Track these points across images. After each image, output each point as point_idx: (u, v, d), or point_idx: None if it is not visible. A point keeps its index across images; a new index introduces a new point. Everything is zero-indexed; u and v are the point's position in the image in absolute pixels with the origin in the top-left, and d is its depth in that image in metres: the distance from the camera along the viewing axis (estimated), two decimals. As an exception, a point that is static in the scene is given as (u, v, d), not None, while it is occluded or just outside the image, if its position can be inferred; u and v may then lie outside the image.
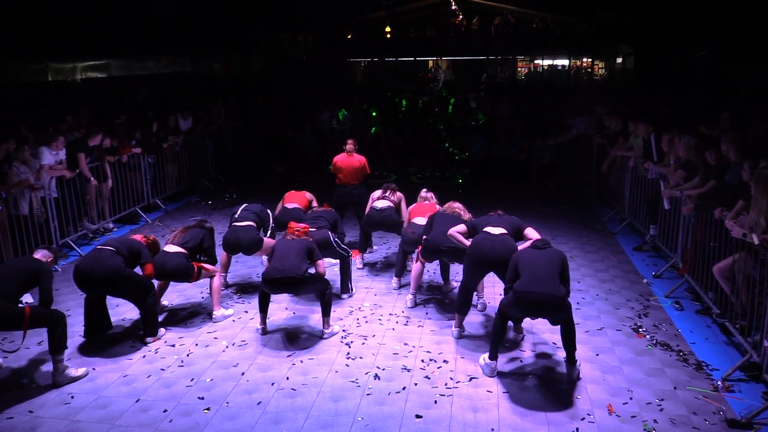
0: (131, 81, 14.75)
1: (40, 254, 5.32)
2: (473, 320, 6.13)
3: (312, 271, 5.78)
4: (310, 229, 6.24)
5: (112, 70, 13.35)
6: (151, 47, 15.07)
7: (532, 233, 5.55)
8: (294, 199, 7.45)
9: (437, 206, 6.82)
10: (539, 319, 5.34)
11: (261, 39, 21.07)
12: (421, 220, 6.56)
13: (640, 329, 5.91)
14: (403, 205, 7.50)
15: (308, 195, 7.65)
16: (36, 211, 7.67)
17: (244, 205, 6.95)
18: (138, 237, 6.07)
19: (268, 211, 7.08)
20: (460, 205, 6.37)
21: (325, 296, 5.75)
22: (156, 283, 6.23)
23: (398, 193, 7.54)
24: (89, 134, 8.88)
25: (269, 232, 6.91)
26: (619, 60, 24.01)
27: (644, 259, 7.95)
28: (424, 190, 7.28)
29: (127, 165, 9.80)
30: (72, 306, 6.55)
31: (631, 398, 4.75)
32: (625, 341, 5.69)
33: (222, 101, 14.04)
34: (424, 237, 6.20)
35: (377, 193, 7.52)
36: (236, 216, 6.81)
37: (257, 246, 6.64)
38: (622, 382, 4.99)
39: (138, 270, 5.79)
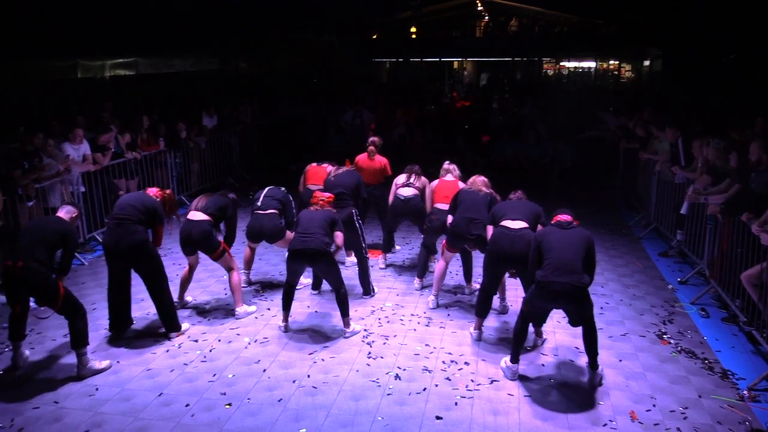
0: (159, 79, 14.93)
1: (64, 211, 5.34)
2: (495, 323, 6.11)
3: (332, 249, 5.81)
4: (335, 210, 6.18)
5: (140, 68, 13.52)
6: (178, 46, 15.23)
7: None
8: (317, 179, 7.40)
9: (460, 183, 6.73)
10: (561, 318, 5.29)
11: (287, 39, 21.18)
12: (444, 206, 6.50)
13: (665, 336, 5.84)
14: (428, 190, 7.23)
15: (329, 168, 7.50)
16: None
17: (266, 191, 6.82)
18: (153, 190, 6.01)
19: (290, 196, 6.97)
20: (483, 179, 6.29)
21: (341, 294, 5.76)
22: (180, 274, 6.36)
23: (423, 178, 7.40)
24: (98, 134, 8.98)
25: (291, 221, 6.81)
26: (647, 63, 23.72)
27: (670, 264, 7.84)
28: (447, 162, 7.10)
29: (153, 162, 9.93)
30: (97, 300, 6.65)
31: (654, 405, 4.69)
32: (649, 347, 5.61)
33: (248, 100, 14.15)
34: (449, 223, 6.17)
35: (401, 178, 7.40)
36: (259, 204, 6.72)
37: (280, 234, 6.64)
38: (646, 388, 4.93)
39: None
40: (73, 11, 12.29)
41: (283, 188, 6.95)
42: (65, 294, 5.02)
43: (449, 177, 6.89)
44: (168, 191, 6.20)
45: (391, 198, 7.45)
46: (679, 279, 7.28)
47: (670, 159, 8.48)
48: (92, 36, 12.70)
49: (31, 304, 5.32)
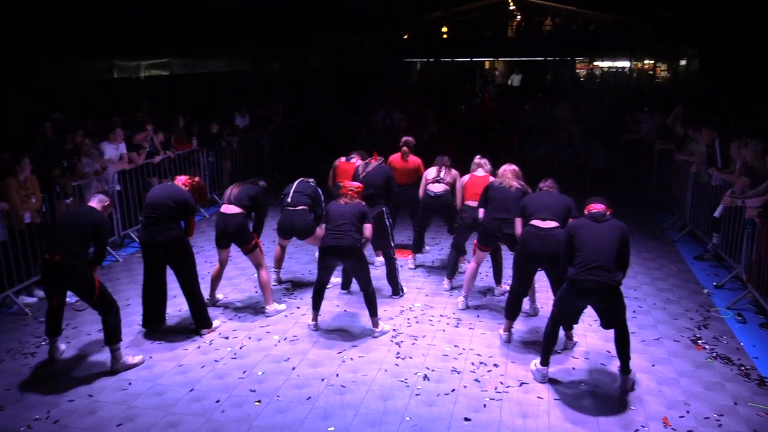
0: (192, 79, 15.15)
1: (96, 200, 5.41)
2: (525, 325, 6.05)
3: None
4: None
5: (174, 68, 13.71)
6: (211, 46, 15.43)
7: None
8: (346, 176, 7.37)
9: (490, 178, 6.58)
10: (593, 321, 5.20)
11: (318, 39, 21.30)
12: (475, 203, 6.43)
13: (700, 341, 5.72)
14: (458, 185, 7.11)
15: (357, 162, 7.51)
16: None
17: (295, 186, 6.80)
18: (182, 179, 6.00)
19: (319, 190, 6.95)
20: (514, 169, 6.21)
21: (368, 294, 5.77)
22: (211, 272, 6.49)
23: (453, 171, 7.31)
24: (133, 133, 9.17)
25: (320, 214, 6.78)
26: (683, 62, 23.29)
27: (705, 268, 7.68)
28: (478, 156, 6.99)
29: (186, 161, 10.08)
30: (131, 296, 6.77)
31: (688, 412, 4.60)
32: (683, 353, 5.51)
33: (279, 100, 14.26)
34: (480, 218, 6.15)
35: (431, 172, 7.33)
36: (289, 201, 6.72)
37: (310, 231, 6.68)
38: (679, 394, 4.84)
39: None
40: (109, 12, 12.53)
41: (311, 181, 6.95)
42: (100, 289, 5.14)
43: (480, 172, 6.81)
44: (197, 179, 6.22)
45: (421, 192, 7.42)
46: (714, 283, 7.12)
47: (707, 160, 8.31)
48: (128, 37, 12.94)
49: (68, 299, 5.45)
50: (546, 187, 5.73)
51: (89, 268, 5.12)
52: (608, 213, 4.87)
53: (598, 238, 4.66)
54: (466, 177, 6.87)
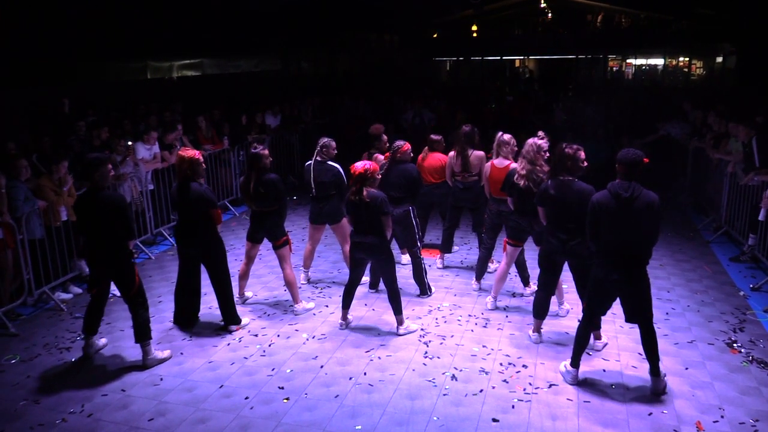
0: (223, 79, 15.34)
1: (100, 174, 5.17)
2: (554, 326, 5.98)
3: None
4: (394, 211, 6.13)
5: (206, 68, 13.90)
6: (242, 47, 15.60)
7: None
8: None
9: (512, 164, 6.20)
10: (623, 323, 5.10)
11: (348, 38, 21.39)
12: (500, 197, 6.30)
13: (735, 344, 5.59)
14: (483, 173, 6.73)
15: (380, 158, 7.41)
16: (135, 200, 8.12)
17: (314, 174, 6.77)
18: (187, 153, 5.80)
19: (340, 170, 6.83)
20: (535, 147, 5.75)
21: (393, 292, 5.77)
22: (238, 271, 6.61)
23: (476, 154, 7.12)
24: (165, 132, 9.34)
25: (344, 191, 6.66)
26: (719, 59, 22.81)
27: (741, 270, 7.50)
28: (500, 133, 6.49)
29: (217, 160, 10.20)
30: (163, 293, 6.87)
31: (722, 416, 4.50)
32: (718, 356, 5.39)
33: (309, 100, 14.34)
34: (509, 204, 6.07)
35: (457, 164, 7.19)
36: (314, 194, 6.83)
37: (339, 217, 6.79)
38: (713, 399, 4.74)
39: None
40: (143, 14, 12.76)
41: (330, 162, 6.83)
42: (139, 282, 5.31)
43: (501, 161, 6.35)
44: (193, 154, 5.87)
45: (447, 173, 7.38)
46: (751, 285, 6.95)
47: (744, 160, 8.11)
48: (161, 38, 13.16)
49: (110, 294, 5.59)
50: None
51: (128, 250, 5.26)
52: (642, 166, 4.63)
53: (621, 227, 4.54)
54: (488, 166, 6.50)
